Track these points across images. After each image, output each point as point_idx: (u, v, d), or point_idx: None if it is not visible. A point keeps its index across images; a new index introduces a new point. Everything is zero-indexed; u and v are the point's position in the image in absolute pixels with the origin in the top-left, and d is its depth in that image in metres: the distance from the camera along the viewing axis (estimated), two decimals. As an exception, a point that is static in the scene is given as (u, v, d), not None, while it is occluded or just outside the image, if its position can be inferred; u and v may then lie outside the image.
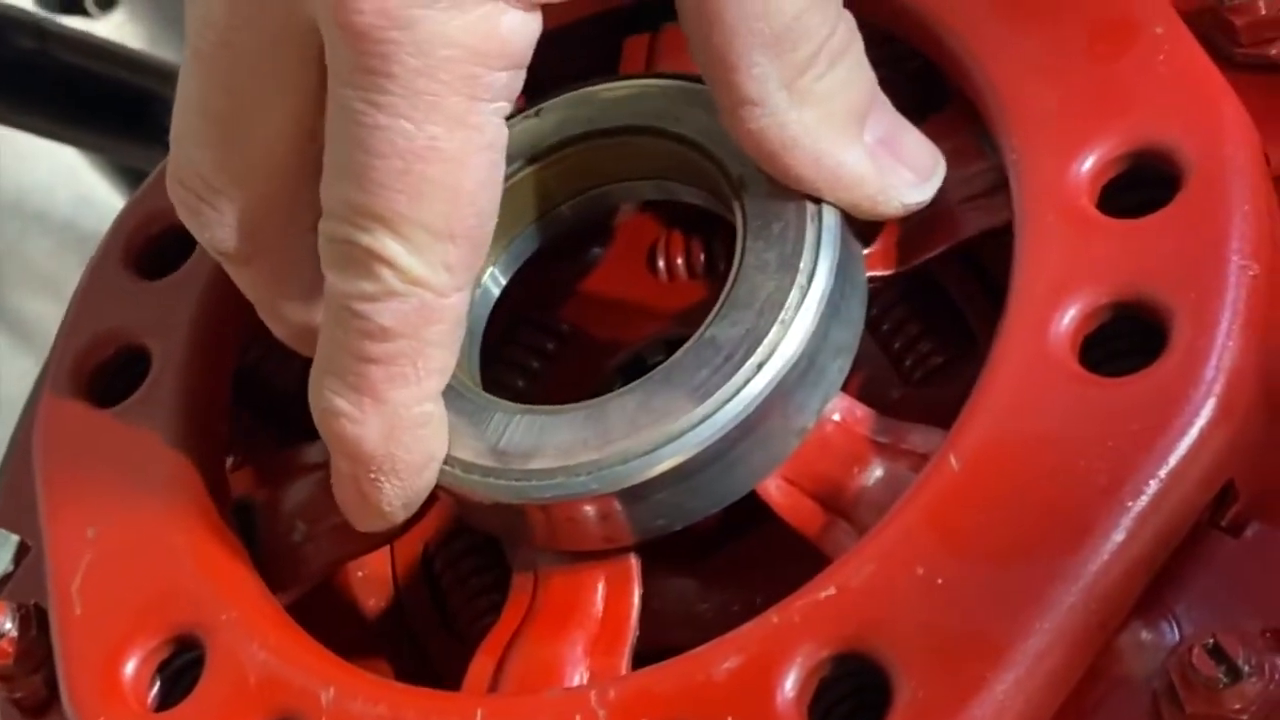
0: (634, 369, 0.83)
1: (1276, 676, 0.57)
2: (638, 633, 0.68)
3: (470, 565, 0.83)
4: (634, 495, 0.66)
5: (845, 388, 0.70)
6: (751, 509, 0.70)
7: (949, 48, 0.71)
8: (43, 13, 1.56)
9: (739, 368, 0.66)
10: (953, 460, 0.61)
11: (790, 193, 0.68)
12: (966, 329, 0.79)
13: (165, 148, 0.71)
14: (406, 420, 0.66)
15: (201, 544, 0.72)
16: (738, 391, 0.65)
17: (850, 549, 0.62)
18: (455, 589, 0.83)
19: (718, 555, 0.77)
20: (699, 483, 0.66)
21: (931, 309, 0.80)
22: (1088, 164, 0.65)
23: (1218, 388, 0.60)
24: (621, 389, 0.68)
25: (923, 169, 0.70)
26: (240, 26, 0.64)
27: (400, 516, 0.69)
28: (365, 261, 0.64)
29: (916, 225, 0.72)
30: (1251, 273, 0.61)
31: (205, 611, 0.70)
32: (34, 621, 0.75)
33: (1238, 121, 0.65)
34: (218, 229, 0.69)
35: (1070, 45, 0.68)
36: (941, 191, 0.71)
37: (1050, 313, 0.63)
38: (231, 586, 0.71)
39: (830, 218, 0.68)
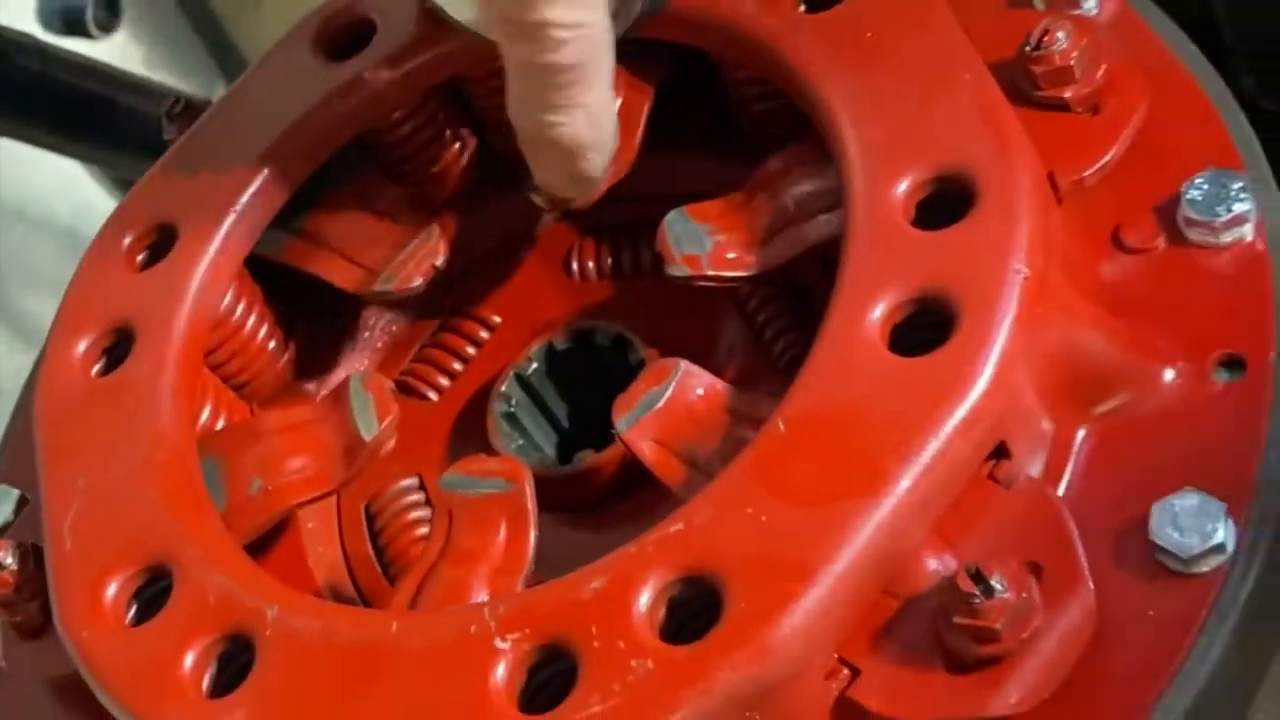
0: (548, 355, 0.97)
1: (1023, 595, 0.71)
2: (533, 566, 0.82)
3: (403, 522, 0.97)
4: None
5: (721, 373, 0.85)
6: (640, 474, 0.84)
7: (804, 90, 0.85)
8: (46, 35, 1.67)
9: None
10: (780, 424, 0.75)
11: None
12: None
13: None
14: (600, 110, 0.86)
15: (174, 492, 0.85)
16: None
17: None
18: (392, 542, 0.97)
19: (608, 511, 0.92)
20: None
21: (800, 305, 0.94)
22: (903, 186, 0.80)
23: (991, 367, 0.74)
24: None
25: None
26: None
27: (603, 177, 0.90)
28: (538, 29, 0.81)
29: (774, 234, 0.86)
30: (1024, 275, 0.75)
31: (174, 546, 0.83)
32: (31, 558, 0.89)
33: (1024, 152, 0.79)
34: None
35: (894, 88, 0.82)
36: (797, 207, 0.85)
37: (865, 306, 0.77)
38: (198, 527, 0.84)
39: None
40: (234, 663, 0.79)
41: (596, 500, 0.92)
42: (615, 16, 0.85)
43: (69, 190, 1.92)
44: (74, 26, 1.83)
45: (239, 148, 0.96)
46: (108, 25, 1.84)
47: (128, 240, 0.95)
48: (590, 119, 0.86)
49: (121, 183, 1.77)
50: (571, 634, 0.73)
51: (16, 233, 2.00)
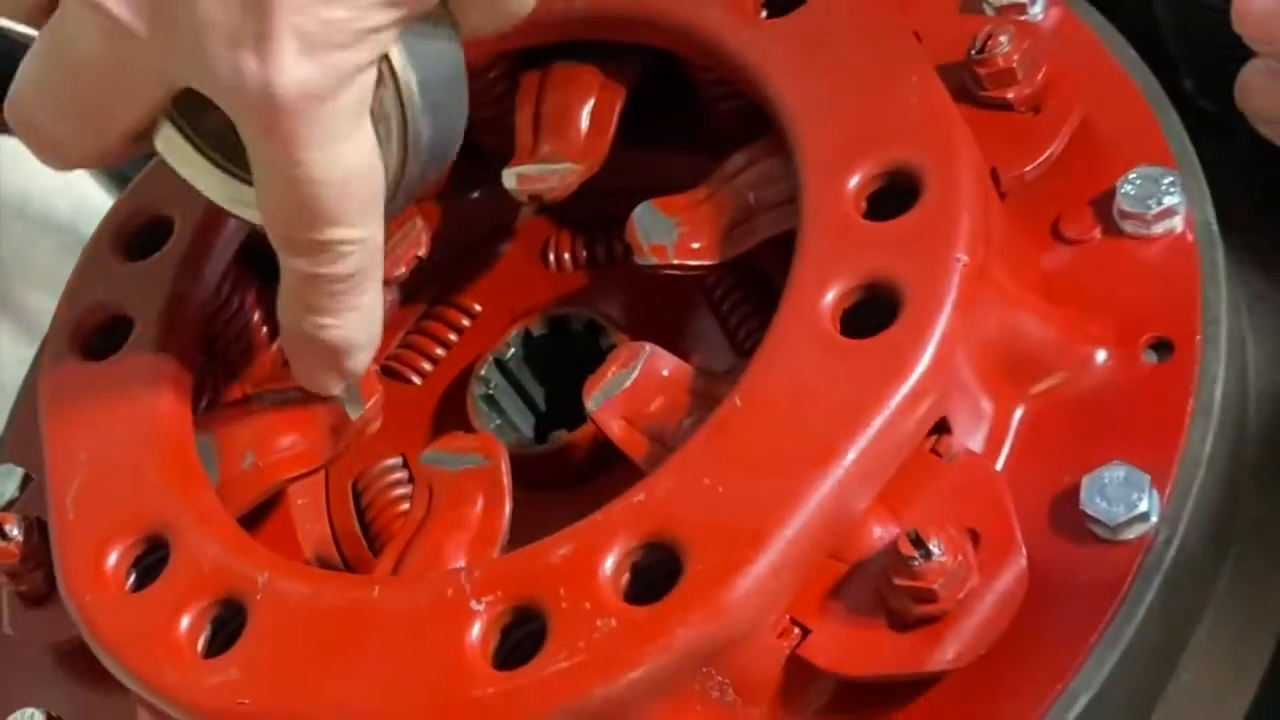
0: (525, 340, 1.03)
1: (959, 558, 0.76)
2: (508, 536, 0.87)
3: (388, 498, 1.02)
4: None
5: (687, 356, 0.90)
6: (611, 451, 0.89)
7: (764, 91, 0.91)
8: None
9: None
10: (737, 400, 0.81)
11: None
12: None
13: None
14: (372, 311, 0.88)
15: (170, 467, 0.90)
16: None
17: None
18: (377, 517, 1.02)
19: (582, 487, 0.97)
20: None
21: (762, 294, 0.99)
22: (854, 181, 0.85)
23: (932, 349, 0.79)
24: None
25: None
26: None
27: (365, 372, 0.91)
28: (322, 247, 0.84)
29: (735, 226, 0.91)
30: (964, 263, 0.81)
31: (171, 517, 0.88)
32: (36, 530, 0.94)
33: (968, 149, 0.85)
34: None
35: (848, 90, 0.87)
36: (756, 200, 0.91)
37: (818, 292, 0.82)
38: (192, 499, 0.89)
39: None
40: (227, 625, 0.84)
41: (571, 476, 0.97)
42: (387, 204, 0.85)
43: (68, 187, 1.95)
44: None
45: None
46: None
47: (126, 232, 1.01)
48: (363, 320, 0.88)
49: (119, 180, 1.81)
50: (541, 596, 0.78)
51: (16, 229, 2.03)
